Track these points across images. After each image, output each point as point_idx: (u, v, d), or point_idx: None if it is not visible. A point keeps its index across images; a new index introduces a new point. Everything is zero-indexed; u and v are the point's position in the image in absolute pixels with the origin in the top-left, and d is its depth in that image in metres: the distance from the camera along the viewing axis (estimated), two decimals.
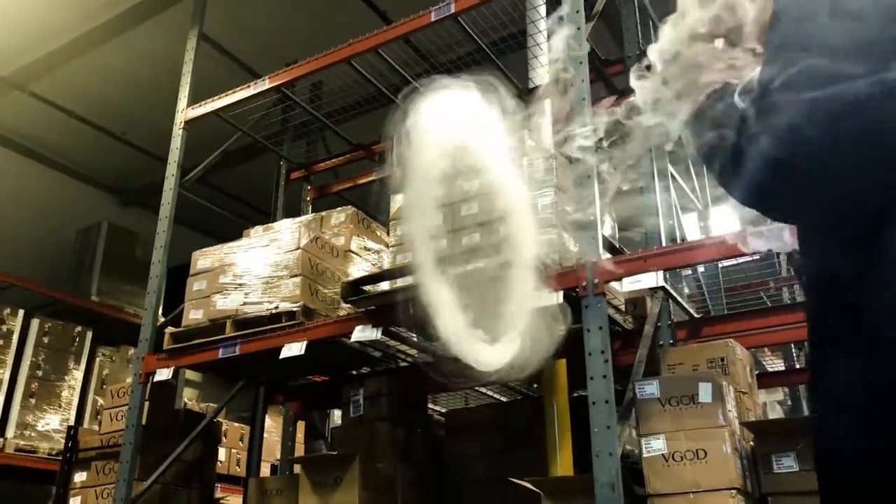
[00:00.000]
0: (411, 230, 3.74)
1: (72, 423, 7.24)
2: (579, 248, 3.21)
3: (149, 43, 7.20)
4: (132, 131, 8.51)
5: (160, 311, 8.60)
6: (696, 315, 3.92)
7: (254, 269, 4.09)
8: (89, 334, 7.77)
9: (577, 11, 3.55)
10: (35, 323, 7.40)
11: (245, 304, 4.01)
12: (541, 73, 4.73)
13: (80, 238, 8.77)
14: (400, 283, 3.76)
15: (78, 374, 7.60)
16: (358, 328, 3.60)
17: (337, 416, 6.56)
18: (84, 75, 7.57)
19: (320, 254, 4.13)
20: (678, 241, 4.10)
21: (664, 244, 3.66)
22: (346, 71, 5.19)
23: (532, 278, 3.21)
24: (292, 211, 5.77)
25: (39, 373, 7.31)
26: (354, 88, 5.69)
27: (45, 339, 7.47)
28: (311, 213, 5.74)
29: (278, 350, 3.84)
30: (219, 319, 4.08)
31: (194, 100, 4.88)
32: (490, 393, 5.13)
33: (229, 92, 4.80)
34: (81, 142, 8.55)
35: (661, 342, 3.69)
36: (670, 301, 3.84)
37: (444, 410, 5.10)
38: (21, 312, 7.33)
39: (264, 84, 4.59)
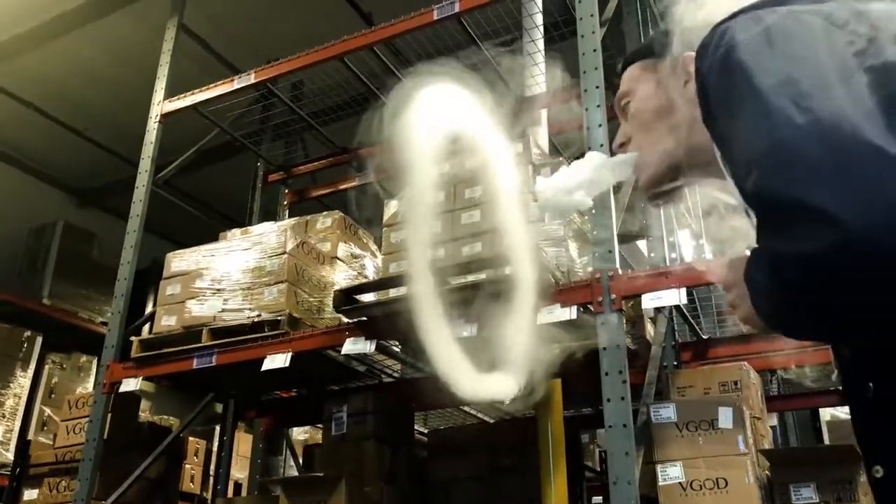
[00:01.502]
0: (408, 238, 3.53)
1: (16, 434, 6.80)
2: (594, 262, 3.02)
3: (118, 35, 6.87)
4: (95, 128, 8.12)
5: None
6: (703, 336, 3.77)
7: (234, 273, 3.82)
8: (39, 340, 7.34)
9: (591, 15, 3.39)
10: None
11: (224, 311, 3.73)
12: (538, 80, 4.57)
13: (32, 237, 8.31)
14: (393, 293, 3.55)
15: (25, 382, 7.15)
16: (349, 340, 3.36)
17: (296, 432, 6.26)
18: (46, 65, 7.19)
19: (306, 260, 3.88)
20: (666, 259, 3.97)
21: (672, 260, 3.50)
22: (331, 71, 4.97)
23: (531, 298, 3.04)
24: (268, 216, 5.50)
25: None
26: (335, 90, 5.47)
27: None
28: (288, 217, 5.49)
29: (259, 362, 3.57)
30: (194, 327, 3.79)
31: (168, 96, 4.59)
32: (474, 412, 4.91)
33: (210, 85, 4.53)
34: (39, 136, 8.13)
35: (664, 363, 3.53)
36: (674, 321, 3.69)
37: (425, 430, 4.86)
38: None
39: (249, 78, 4.34)
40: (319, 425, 5.61)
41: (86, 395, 4.30)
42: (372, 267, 4.35)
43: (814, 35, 0.90)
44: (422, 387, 3.99)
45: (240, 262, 3.84)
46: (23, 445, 4.37)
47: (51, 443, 4.49)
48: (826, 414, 6.46)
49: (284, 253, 3.74)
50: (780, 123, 0.85)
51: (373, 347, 3.33)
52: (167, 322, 3.87)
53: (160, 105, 4.61)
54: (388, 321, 3.27)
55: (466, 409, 4.81)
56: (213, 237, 4.51)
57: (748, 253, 1.10)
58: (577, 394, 4.11)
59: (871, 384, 0.94)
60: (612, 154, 1.30)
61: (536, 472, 3.82)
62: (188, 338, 3.83)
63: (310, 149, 5.87)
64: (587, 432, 5.61)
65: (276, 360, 3.50)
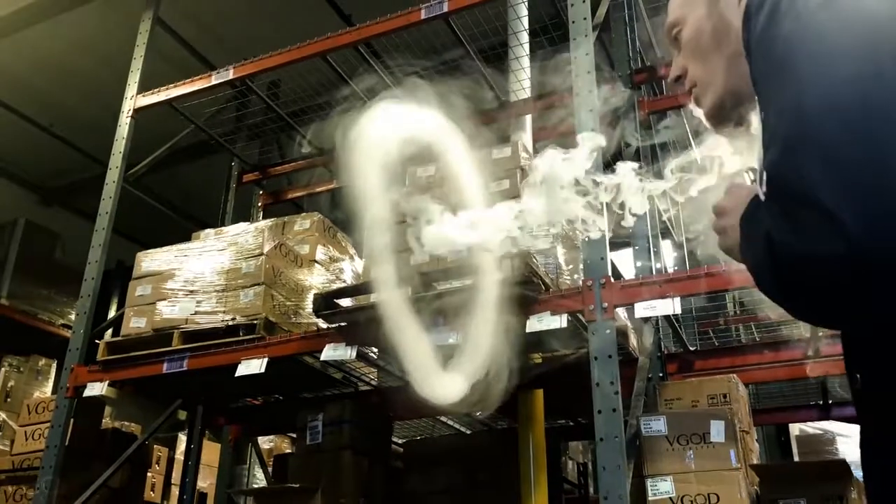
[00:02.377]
0: (376, 248, 3.43)
1: None
2: (585, 269, 2.94)
3: (86, 29, 6.67)
4: (60, 124, 7.88)
5: (73, 319, 8.00)
6: (690, 348, 3.71)
7: (208, 275, 3.67)
8: None
9: (584, 18, 3.33)
10: None
11: (197, 313, 3.58)
12: (524, 84, 4.50)
13: None
14: (374, 298, 3.44)
15: None
16: (329, 346, 3.23)
17: (263, 441, 6.08)
18: (11, 58, 6.96)
19: (283, 262, 3.75)
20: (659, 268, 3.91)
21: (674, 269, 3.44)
22: (308, 71, 4.85)
23: (497, 302, 2.97)
24: (240, 217, 5.34)
25: None
26: (312, 91, 5.34)
27: None
28: (262, 219, 5.34)
29: (232, 367, 3.42)
30: (164, 329, 3.64)
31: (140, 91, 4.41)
32: (450, 423, 4.79)
33: (186, 81, 4.37)
34: (4, 131, 7.86)
35: (649, 375, 3.46)
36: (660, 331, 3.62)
37: (398, 440, 4.73)
38: None
39: (227, 74, 4.20)
40: (290, 434, 5.48)
41: (46, 400, 4.11)
42: (350, 271, 4.24)
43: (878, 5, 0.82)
44: (400, 396, 3.87)
45: (214, 263, 3.70)
46: None
47: (8, 449, 4.28)
48: (795, 429, 6.48)
49: (262, 254, 3.61)
50: (816, 105, 0.79)
51: (353, 354, 3.22)
52: (136, 324, 3.71)
53: (133, 100, 4.45)
54: (369, 327, 3.16)
55: (443, 419, 4.70)
56: (180, 238, 4.33)
57: (748, 178, 1.14)
58: (555, 405, 4.04)
59: (857, 375, 0.94)
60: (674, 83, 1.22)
61: (514, 484, 3.73)
62: (158, 341, 3.68)
63: (285, 150, 5.73)
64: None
65: (252, 366, 3.36)
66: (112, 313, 8.49)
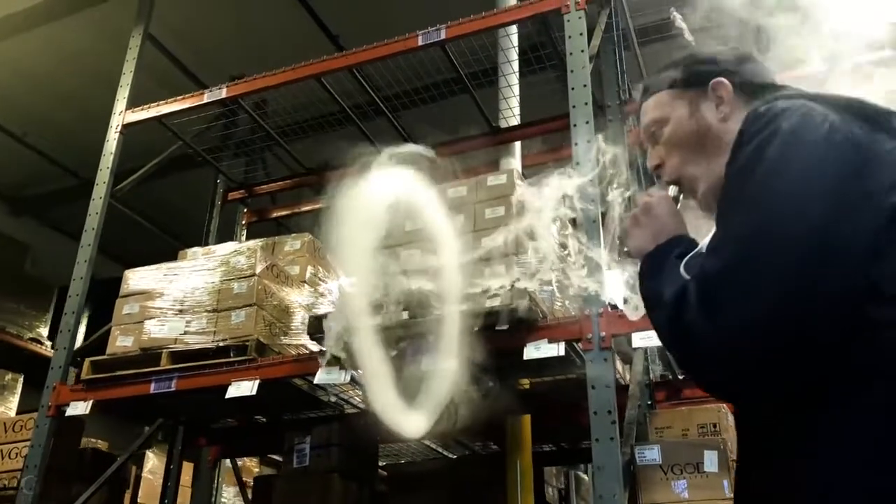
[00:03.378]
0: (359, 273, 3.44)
1: None
2: (582, 299, 2.97)
3: (65, 41, 6.61)
4: (34, 134, 7.76)
5: (42, 333, 7.82)
6: (679, 376, 3.77)
7: (198, 294, 3.64)
8: None
9: (582, 50, 3.39)
10: None
11: (186, 333, 3.54)
12: (514, 111, 4.56)
13: None
14: (373, 320, 3.44)
15: None
16: (323, 369, 3.22)
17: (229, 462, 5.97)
18: None
19: (274, 283, 3.73)
20: None
21: None
22: (297, 91, 4.85)
23: (459, 332, 3.01)
24: (223, 235, 5.30)
25: None
26: (299, 111, 5.34)
27: None
28: (246, 238, 5.31)
29: (222, 388, 3.39)
30: (152, 349, 3.59)
31: (109, 99, 4.35)
32: (434, 446, 4.78)
33: (178, 98, 4.35)
34: None
35: (639, 403, 3.50)
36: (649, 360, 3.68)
37: (381, 463, 4.71)
38: None
39: (220, 93, 4.19)
40: (271, 455, 5.42)
41: (24, 418, 4.02)
42: (338, 292, 4.22)
43: (839, 164, 1.01)
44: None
45: (204, 282, 3.67)
46: None
47: None
48: None
49: (254, 275, 3.59)
50: (758, 238, 1.00)
51: (348, 378, 3.21)
52: (123, 343, 3.66)
53: (122, 115, 4.41)
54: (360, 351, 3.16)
55: (426, 442, 4.69)
56: (157, 255, 4.26)
57: (671, 193, 1.34)
58: (538, 429, 4.06)
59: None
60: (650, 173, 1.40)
61: None
62: (145, 360, 3.63)
63: (270, 169, 5.72)
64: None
65: (242, 388, 3.34)
66: (83, 329, 8.33)
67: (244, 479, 5.55)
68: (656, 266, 1.19)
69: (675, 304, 1.06)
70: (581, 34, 3.39)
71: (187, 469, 5.53)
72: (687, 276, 1.10)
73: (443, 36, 3.72)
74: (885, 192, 0.99)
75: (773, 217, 0.99)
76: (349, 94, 4.81)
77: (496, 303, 3.05)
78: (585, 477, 6.01)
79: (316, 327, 3.20)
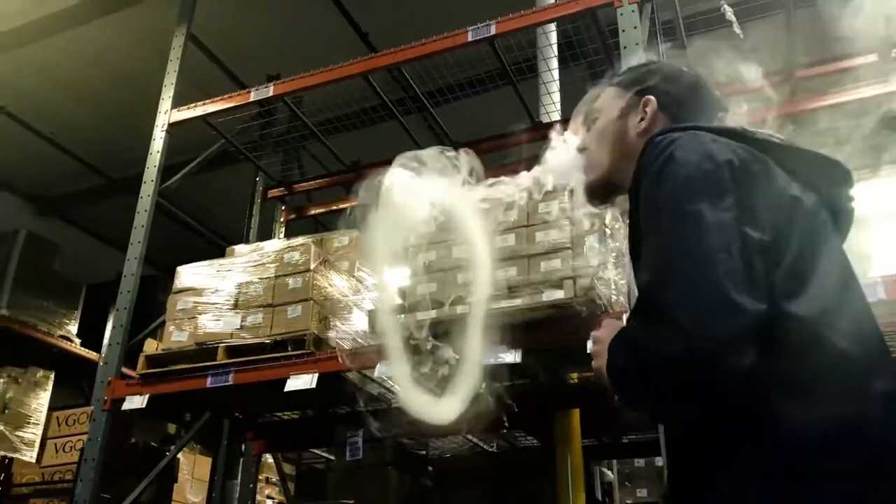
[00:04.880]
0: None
1: None
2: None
3: (96, 43, 6.68)
4: (63, 134, 7.83)
5: (71, 330, 7.88)
6: None
7: (252, 290, 3.68)
8: None
9: (634, 27, 3.41)
10: None
11: (242, 328, 3.58)
12: (556, 106, 4.58)
13: None
14: (421, 316, 3.48)
15: None
16: (383, 363, 3.25)
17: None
18: (20, 69, 6.92)
19: (326, 278, 3.77)
20: None
21: None
22: (335, 87, 4.88)
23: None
24: (263, 233, 5.35)
25: None
26: (334, 108, 5.38)
27: None
28: (285, 235, 5.36)
29: (279, 382, 3.43)
30: (207, 343, 3.63)
31: (141, 104, 4.40)
32: (476, 441, 4.81)
33: (223, 97, 4.39)
34: (3, 140, 7.78)
35: None
36: None
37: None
38: None
39: (267, 92, 4.23)
40: (313, 449, 5.47)
41: (77, 412, 4.07)
42: (386, 288, 4.26)
43: (723, 188, 1.15)
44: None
45: (259, 278, 3.70)
46: (7, 462, 4.06)
47: (33, 461, 4.22)
48: None
49: (308, 270, 3.63)
50: (676, 256, 1.12)
51: (411, 371, 3.23)
52: (178, 337, 3.70)
53: (167, 114, 4.45)
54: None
55: (469, 436, 4.72)
56: (189, 253, 4.29)
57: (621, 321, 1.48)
58: (584, 424, 4.08)
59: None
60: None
61: None
62: (198, 355, 3.67)
63: (305, 165, 5.76)
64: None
65: (301, 381, 3.37)
66: (110, 325, 8.38)
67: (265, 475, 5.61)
68: (617, 371, 1.24)
69: (630, 350, 1.19)
70: (635, 27, 3.42)
71: (208, 464, 5.59)
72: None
73: (492, 32, 3.75)
74: (768, 210, 1.15)
75: (679, 237, 1.12)
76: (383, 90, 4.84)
77: (559, 296, 3.08)
78: (610, 473, 6.02)
79: (379, 323, 3.23)
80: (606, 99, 1.50)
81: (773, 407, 1.07)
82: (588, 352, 1.42)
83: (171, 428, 8.00)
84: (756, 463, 1.07)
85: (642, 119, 1.42)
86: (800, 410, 1.06)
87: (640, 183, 1.25)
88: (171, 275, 3.79)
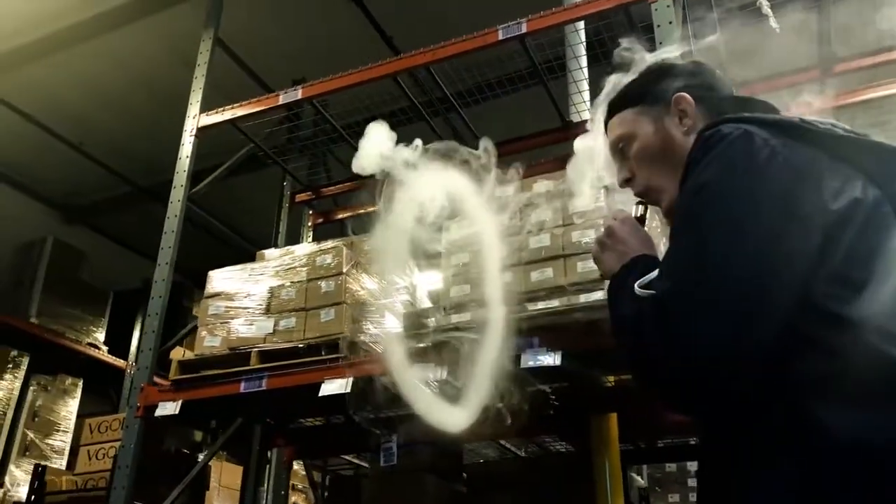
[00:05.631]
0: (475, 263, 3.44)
1: None
2: None
3: (123, 51, 6.69)
4: (91, 143, 7.86)
5: (99, 338, 7.91)
6: None
7: (284, 294, 3.65)
8: (26, 360, 7.00)
9: (670, 22, 3.35)
10: None
11: (275, 332, 3.55)
12: (586, 105, 4.52)
13: (19, 254, 7.98)
14: (455, 318, 3.43)
15: (10, 404, 6.78)
16: (418, 366, 3.20)
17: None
18: (48, 76, 6.95)
19: (358, 281, 3.73)
20: None
21: None
22: (362, 89, 4.85)
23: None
24: (291, 237, 5.33)
25: None
26: (361, 111, 5.34)
27: None
28: (312, 239, 5.33)
29: (313, 387, 3.39)
30: (240, 348, 3.60)
31: (167, 111, 4.39)
32: (507, 446, 4.75)
33: (252, 101, 4.37)
34: (31, 148, 7.83)
35: None
36: None
37: None
38: None
39: (296, 94, 4.20)
40: (344, 455, 5.43)
41: (109, 419, 4.05)
42: (415, 291, 4.21)
43: (771, 192, 1.10)
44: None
45: (291, 281, 3.67)
46: (40, 470, 4.05)
47: (62, 468, 4.21)
48: None
49: (341, 273, 3.59)
50: (708, 260, 1.07)
51: (444, 374, 3.18)
52: (210, 343, 3.67)
53: (196, 119, 4.44)
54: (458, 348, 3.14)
55: (502, 442, 4.66)
56: (214, 260, 4.25)
57: (636, 213, 1.42)
58: (621, 428, 4.00)
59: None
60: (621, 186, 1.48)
61: None
62: (230, 360, 3.64)
63: (331, 169, 5.73)
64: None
65: (335, 386, 3.33)
66: (137, 333, 8.42)
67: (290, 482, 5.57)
68: (618, 290, 1.24)
69: (634, 325, 1.14)
70: (670, 23, 3.35)
71: (234, 471, 5.56)
72: (646, 294, 1.16)
73: (524, 30, 3.70)
74: (818, 215, 1.08)
75: (715, 241, 1.07)
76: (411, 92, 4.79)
77: (597, 297, 3.02)
78: (640, 479, 5.94)
79: (413, 324, 3.19)
80: (627, 123, 1.42)
81: (813, 414, 1.01)
82: (595, 239, 1.39)
83: (198, 435, 8.00)
84: (793, 472, 1.01)
85: (683, 118, 1.35)
86: (840, 418, 1.00)
87: (688, 177, 1.19)
88: (196, 282, 3.77)
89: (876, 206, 1.13)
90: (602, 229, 1.37)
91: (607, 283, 1.31)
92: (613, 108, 1.45)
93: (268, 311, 3.63)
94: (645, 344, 1.11)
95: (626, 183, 1.43)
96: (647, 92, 1.40)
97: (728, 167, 1.12)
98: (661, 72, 1.42)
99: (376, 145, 2.10)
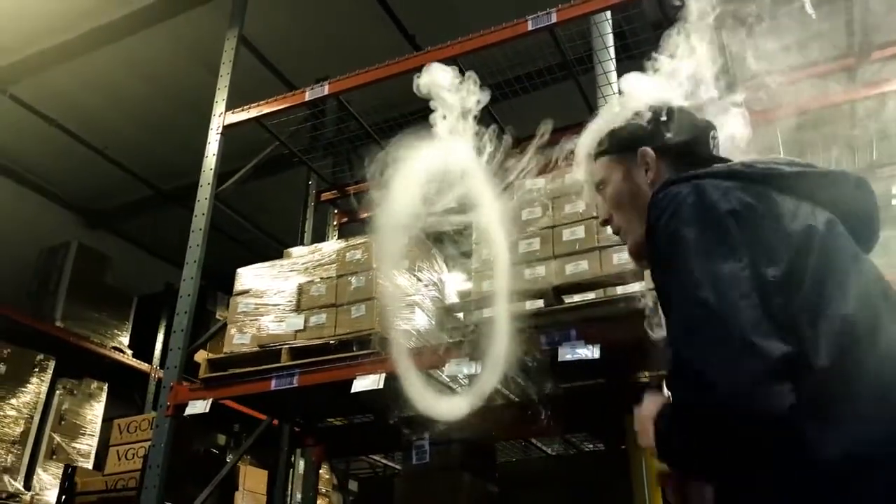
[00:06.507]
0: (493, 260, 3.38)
1: (26, 462, 6.43)
2: None
3: (146, 53, 6.70)
4: (111, 145, 7.87)
5: (123, 341, 7.92)
6: None
7: (314, 290, 3.60)
8: (52, 364, 6.99)
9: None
10: None
11: (306, 328, 3.51)
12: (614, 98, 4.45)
13: (43, 258, 8.01)
14: (487, 312, 3.37)
15: (37, 408, 6.78)
16: (452, 361, 3.15)
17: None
18: (70, 81, 6.98)
19: (388, 277, 3.67)
20: None
21: None
22: (384, 87, 4.81)
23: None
24: (314, 239, 5.29)
25: None
26: (387, 109, 5.30)
27: (2, 368, 6.67)
28: (338, 237, 5.29)
29: (344, 383, 3.34)
30: (271, 345, 3.56)
31: (189, 114, 4.36)
32: (537, 444, 4.69)
33: (278, 98, 4.34)
34: (55, 153, 7.86)
35: None
36: None
37: None
38: None
39: (322, 90, 4.17)
40: (372, 455, 5.38)
41: (138, 419, 4.02)
42: (444, 286, 4.16)
43: (730, 238, 1.19)
44: (504, 415, 3.79)
45: (321, 278, 3.63)
46: (70, 472, 4.03)
47: (89, 467, 4.18)
48: None
49: (371, 269, 3.54)
50: (696, 313, 1.15)
51: (479, 369, 3.12)
52: (240, 340, 3.63)
53: (222, 117, 4.41)
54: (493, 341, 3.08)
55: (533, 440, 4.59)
56: (238, 263, 4.21)
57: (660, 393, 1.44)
58: None
59: None
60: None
61: None
62: (261, 358, 3.60)
63: (355, 167, 5.69)
64: None
65: (367, 382, 3.28)
66: (161, 336, 8.42)
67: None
68: (666, 445, 1.27)
69: (675, 407, 1.20)
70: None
71: (258, 474, 5.52)
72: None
73: (553, 20, 3.65)
74: (779, 246, 1.19)
75: (692, 297, 1.15)
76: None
77: (634, 288, 2.95)
78: None
79: (447, 319, 3.13)
80: (604, 169, 1.55)
81: (798, 436, 1.09)
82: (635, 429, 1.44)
83: (221, 438, 7.99)
84: (782, 488, 1.10)
85: (647, 170, 1.47)
86: (820, 440, 1.08)
87: (650, 245, 1.29)
88: (217, 285, 3.72)
89: (829, 227, 1.23)
90: (635, 419, 1.44)
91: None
92: (595, 153, 1.58)
93: (298, 307, 3.58)
94: (692, 411, 1.15)
95: (604, 223, 1.57)
96: (619, 143, 1.53)
97: (686, 221, 1.22)
98: (634, 124, 1.53)
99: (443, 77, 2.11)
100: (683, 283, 1.18)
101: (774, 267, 1.16)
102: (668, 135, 1.49)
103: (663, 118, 1.51)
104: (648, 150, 1.48)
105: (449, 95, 2.11)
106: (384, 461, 5.29)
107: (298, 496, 5.25)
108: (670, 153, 1.47)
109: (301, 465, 5.05)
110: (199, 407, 3.60)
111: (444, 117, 2.16)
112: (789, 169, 1.31)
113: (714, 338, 1.11)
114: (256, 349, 3.59)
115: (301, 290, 3.62)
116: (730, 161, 1.40)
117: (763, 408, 1.06)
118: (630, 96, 1.58)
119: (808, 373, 1.10)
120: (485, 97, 2.13)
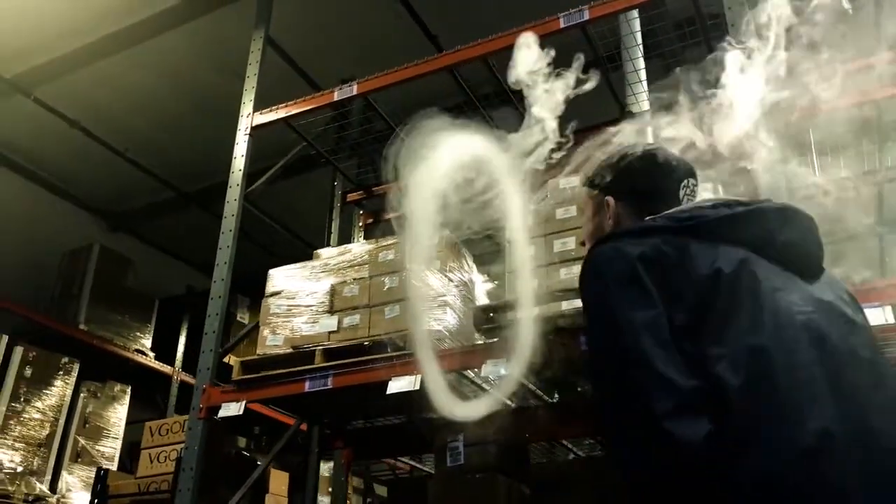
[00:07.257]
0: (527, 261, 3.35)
1: (52, 465, 6.45)
2: None
3: (168, 55, 6.72)
4: (135, 149, 7.89)
5: (146, 344, 7.93)
6: None
7: (347, 291, 3.58)
8: (76, 366, 7.02)
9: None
10: (18, 351, 6.62)
11: (340, 329, 3.48)
12: (645, 95, 4.41)
13: (66, 261, 8.05)
14: (522, 312, 3.33)
15: (62, 411, 6.81)
16: (489, 361, 3.12)
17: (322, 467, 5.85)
18: (94, 83, 7.00)
19: (420, 278, 3.65)
20: None
21: None
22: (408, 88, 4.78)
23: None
24: (340, 240, 5.27)
25: (18, 406, 6.51)
26: (415, 109, 5.26)
27: (28, 371, 6.69)
28: (364, 238, 5.27)
29: (379, 385, 3.31)
30: (304, 347, 3.54)
31: (212, 116, 4.35)
32: (568, 446, 4.63)
33: (306, 98, 4.33)
34: (77, 155, 7.90)
35: None
36: None
37: None
38: (5, 338, 6.55)
39: (351, 90, 4.14)
40: (401, 458, 5.35)
41: (169, 422, 4.01)
42: (474, 287, 4.13)
43: (640, 287, 1.33)
44: (538, 416, 3.76)
45: (353, 278, 3.60)
46: (102, 474, 4.03)
47: (114, 469, 4.18)
48: None
49: (404, 269, 3.51)
50: (607, 357, 1.34)
51: (514, 370, 3.09)
52: (273, 342, 3.61)
53: (250, 118, 4.40)
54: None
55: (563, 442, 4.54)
56: (251, 264, 4.17)
57: None
58: None
59: None
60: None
61: None
62: (293, 359, 3.58)
63: (380, 168, 5.67)
64: None
65: (403, 383, 3.25)
66: (183, 339, 8.44)
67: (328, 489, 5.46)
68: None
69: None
70: (742, 4, 3.24)
71: (281, 477, 5.49)
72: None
73: (586, 17, 3.62)
74: (682, 293, 1.31)
75: (605, 341, 1.35)
76: (451, 91, 4.68)
77: None
78: None
79: (483, 319, 3.10)
80: (585, 200, 1.75)
81: (720, 467, 1.17)
82: None
83: (242, 441, 7.99)
84: None
85: (609, 216, 1.65)
86: (735, 469, 1.16)
87: (580, 295, 1.47)
88: (237, 287, 3.70)
89: (741, 267, 1.32)
90: None
91: None
92: (581, 181, 1.78)
93: (331, 308, 3.56)
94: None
95: (581, 245, 1.82)
96: (594, 182, 1.71)
97: (599, 276, 1.39)
98: (608, 168, 1.69)
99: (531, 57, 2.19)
100: (596, 335, 1.37)
101: (683, 313, 1.27)
102: (630, 184, 1.64)
103: (628, 166, 1.65)
104: (611, 200, 1.65)
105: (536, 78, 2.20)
106: (411, 463, 5.26)
107: (321, 499, 5.23)
108: (631, 202, 1.63)
109: (321, 468, 5.04)
110: (232, 409, 3.59)
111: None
112: (714, 213, 1.41)
113: (626, 382, 1.25)
114: (290, 350, 3.57)
115: (334, 291, 3.60)
116: (684, 209, 1.51)
117: (679, 438, 1.15)
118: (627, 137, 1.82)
119: (720, 405, 1.18)
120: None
